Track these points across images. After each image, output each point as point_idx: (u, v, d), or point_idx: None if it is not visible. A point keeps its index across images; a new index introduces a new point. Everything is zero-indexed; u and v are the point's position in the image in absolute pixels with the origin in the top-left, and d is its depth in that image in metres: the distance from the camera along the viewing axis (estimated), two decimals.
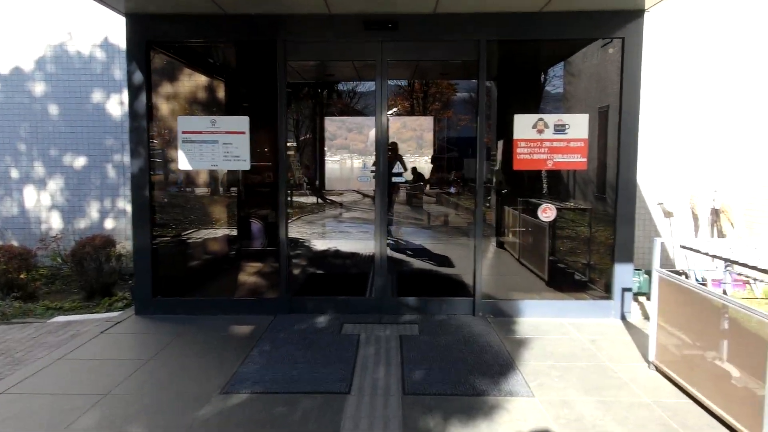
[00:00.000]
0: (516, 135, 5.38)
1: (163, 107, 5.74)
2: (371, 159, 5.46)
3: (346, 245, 8.89)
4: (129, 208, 7.06)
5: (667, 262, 7.36)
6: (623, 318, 5.33)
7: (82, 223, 8.09)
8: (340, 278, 7.02)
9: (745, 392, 3.03)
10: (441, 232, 10.01)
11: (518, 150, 5.40)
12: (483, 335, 4.75)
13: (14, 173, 8.12)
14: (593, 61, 8.22)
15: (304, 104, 11.24)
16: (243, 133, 5.28)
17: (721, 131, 7.26)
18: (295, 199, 11.92)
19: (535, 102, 8.20)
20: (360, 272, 7.20)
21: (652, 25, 5.62)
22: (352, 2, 4.81)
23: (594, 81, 8.67)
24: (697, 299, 3.50)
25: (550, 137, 5.39)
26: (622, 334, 4.83)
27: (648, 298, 5.68)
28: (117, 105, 7.99)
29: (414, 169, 8.85)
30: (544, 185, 8.98)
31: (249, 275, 6.87)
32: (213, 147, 5.26)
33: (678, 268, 7.32)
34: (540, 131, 5.40)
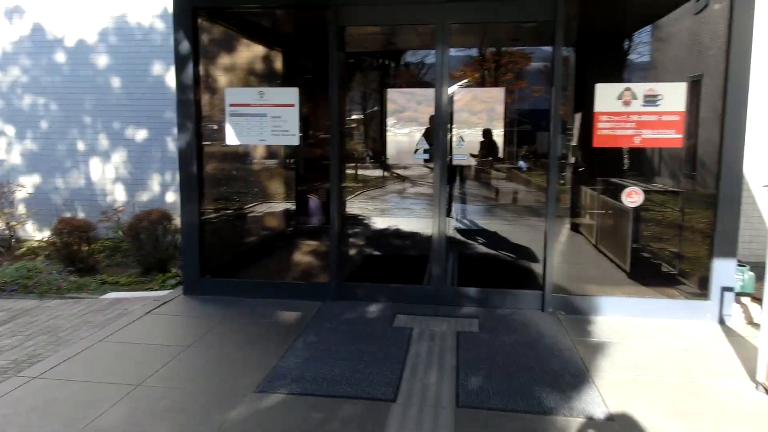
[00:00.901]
0: (597, 107, 4.67)
1: (212, 78, 5.46)
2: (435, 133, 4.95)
3: (405, 224, 8.45)
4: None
5: None
6: (722, 322, 4.58)
7: (144, 196, 8.13)
8: (396, 261, 6.61)
9: None
10: (509, 211, 9.35)
11: (599, 124, 4.69)
12: (552, 336, 4.20)
13: (80, 146, 8.25)
14: (685, 25, 7.19)
15: (367, 75, 10.76)
16: (292, 105, 4.91)
17: None
18: (360, 172, 11.59)
19: (617, 71, 7.31)
20: (418, 255, 6.75)
21: None
22: None
23: (685, 47, 7.61)
24: None
25: (639, 109, 4.64)
26: (721, 343, 4.12)
27: (753, 300, 4.88)
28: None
29: (482, 143, 8.21)
30: (626, 162, 8.11)
31: (302, 255, 6.60)
32: (261, 120, 4.93)
33: None
34: (626, 103, 4.66)
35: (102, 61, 8.06)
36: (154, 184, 8.13)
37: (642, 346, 4.04)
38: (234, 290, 5.11)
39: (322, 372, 3.52)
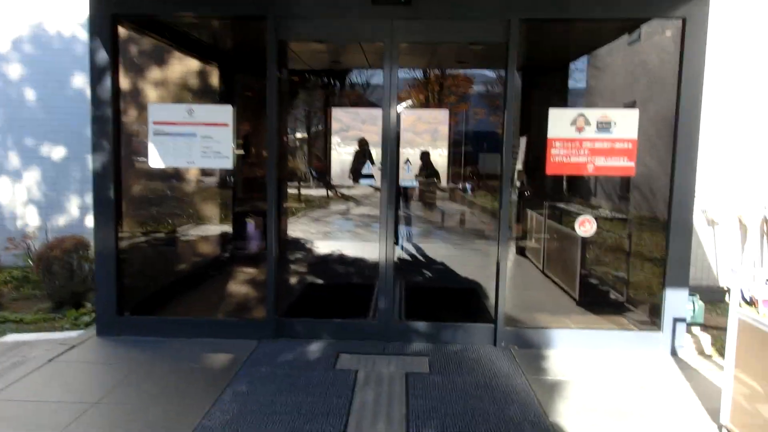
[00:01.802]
0: (551, 133, 4.51)
1: (135, 93, 4.94)
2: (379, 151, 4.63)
3: (351, 248, 8.07)
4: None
5: (709, 276, 6.47)
6: (674, 353, 4.46)
7: (61, 220, 7.36)
8: (340, 291, 6.20)
9: None
10: (456, 235, 9.15)
11: (552, 151, 4.52)
12: (507, 376, 3.91)
13: None
14: (628, 51, 7.31)
15: (311, 93, 10.39)
16: (226, 125, 4.46)
17: None
18: (303, 192, 11.12)
19: (561, 96, 7.31)
20: (364, 284, 6.38)
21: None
22: None
23: (629, 73, 7.74)
24: None
25: (593, 136, 4.51)
26: (676, 378, 3.96)
27: (703, 329, 4.80)
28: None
29: (424, 165, 7.99)
30: (573, 187, 8.10)
31: (238, 285, 6.08)
32: (190, 141, 4.45)
33: (722, 284, 6.44)
34: (580, 129, 4.52)
35: (14, 71, 7.30)
36: (73, 207, 7.38)
37: (599, 384, 3.81)
38: (157, 330, 4.54)
39: None
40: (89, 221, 7.27)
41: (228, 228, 7.09)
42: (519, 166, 7.45)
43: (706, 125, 6.28)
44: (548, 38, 5.50)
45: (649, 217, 6.39)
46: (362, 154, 5.39)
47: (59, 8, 7.30)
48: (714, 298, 5.98)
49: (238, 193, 7.20)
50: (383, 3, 4.27)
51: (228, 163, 4.50)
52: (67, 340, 4.41)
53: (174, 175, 6.31)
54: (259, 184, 4.78)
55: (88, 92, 7.09)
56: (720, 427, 3.22)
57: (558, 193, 7.56)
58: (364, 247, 8.22)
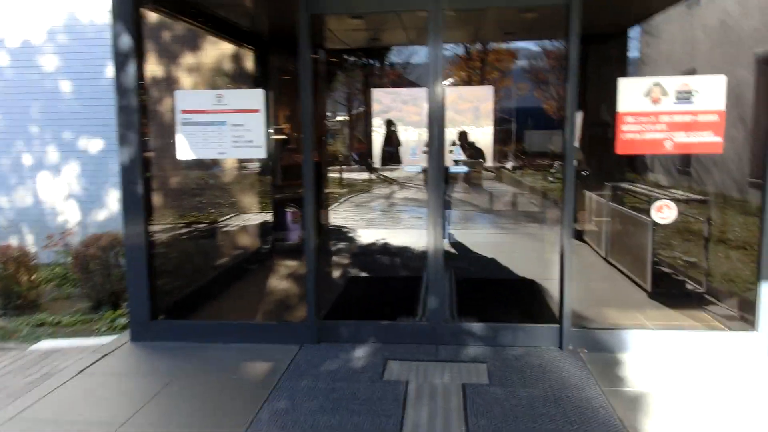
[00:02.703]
0: (621, 106, 3.92)
1: (161, 80, 4.62)
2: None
3: (395, 237, 7.67)
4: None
5: None
6: None
7: (100, 215, 7.25)
8: (385, 286, 5.79)
9: None
10: (513, 221, 8.60)
11: (623, 127, 3.94)
12: (579, 387, 3.42)
13: (27, 159, 7.33)
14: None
15: (350, 74, 9.95)
16: (257, 111, 4.08)
17: None
18: (346, 176, 10.78)
19: (622, 66, 6.62)
20: (411, 277, 5.98)
21: None
22: None
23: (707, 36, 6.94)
24: None
25: (671, 108, 3.90)
26: None
27: None
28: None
29: (470, 146, 7.44)
30: (627, 164, 7.43)
31: (278, 281, 5.77)
32: (219, 130, 4.09)
33: None
34: (656, 101, 3.91)
35: (50, 62, 7.16)
36: (112, 200, 7.24)
37: (688, 398, 3.28)
38: (193, 334, 4.26)
39: None
40: None
41: (267, 217, 6.79)
42: (576, 143, 6.84)
43: None
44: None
45: (730, 197, 5.70)
46: (390, 136, 4.94)
47: None
48: None
49: (278, 180, 6.88)
50: None
51: (261, 153, 4.13)
52: (101, 346, 4.18)
53: (208, 164, 6.03)
54: (300, 171, 4.40)
55: None
56: None
57: (620, 172, 6.91)
58: (410, 235, 7.80)
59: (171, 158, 4.25)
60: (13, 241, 6.67)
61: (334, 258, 6.89)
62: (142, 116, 4.14)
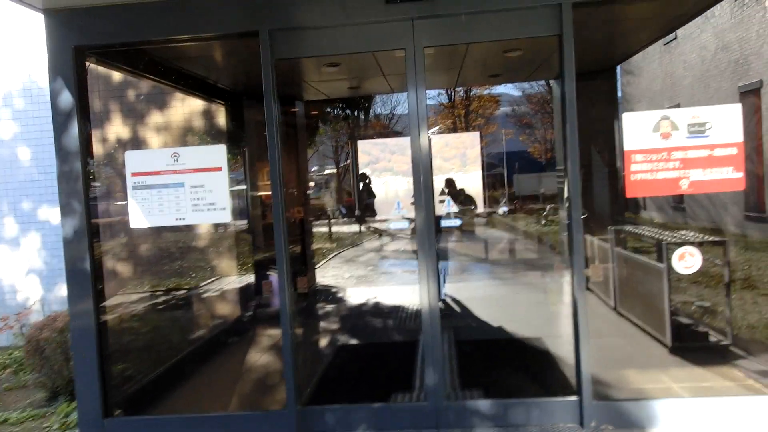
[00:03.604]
0: (628, 144, 3.50)
1: (109, 140, 4.16)
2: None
3: (387, 295, 7.11)
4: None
5: None
6: None
7: (63, 290, 6.63)
8: (376, 356, 5.18)
9: None
10: (511, 270, 8.07)
11: (633, 167, 3.50)
12: None
13: None
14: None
15: (334, 125, 9.66)
16: (219, 169, 3.60)
17: None
18: (334, 229, 10.29)
19: (613, 101, 6.33)
20: (405, 342, 5.40)
21: None
22: None
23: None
24: None
25: (684, 144, 3.47)
26: None
27: None
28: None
29: (458, 193, 7.03)
30: (628, 204, 7.03)
31: (257, 357, 5.15)
32: (177, 192, 3.60)
33: None
34: (665, 136, 3.50)
35: (7, 129, 6.73)
36: None
37: None
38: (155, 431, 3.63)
39: None
40: None
41: (248, 281, 6.23)
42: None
43: None
44: (603, 29, 4.53)
45: (728, 232, 5.24)
46: (366, 188, 4.49)
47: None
48: None
49: (258, 241, 6.35)
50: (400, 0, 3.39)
51: (224, 216, 3.62)
52: None
53: (176, 226, 5.50)
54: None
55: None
56: None
57: (618, 212, 6.49)
58: (403, 291, 7.26)
59: (124, 225, 3.73)
60: None
61: (322, 323, 6.30)
62: (85, 182, 3.64)
